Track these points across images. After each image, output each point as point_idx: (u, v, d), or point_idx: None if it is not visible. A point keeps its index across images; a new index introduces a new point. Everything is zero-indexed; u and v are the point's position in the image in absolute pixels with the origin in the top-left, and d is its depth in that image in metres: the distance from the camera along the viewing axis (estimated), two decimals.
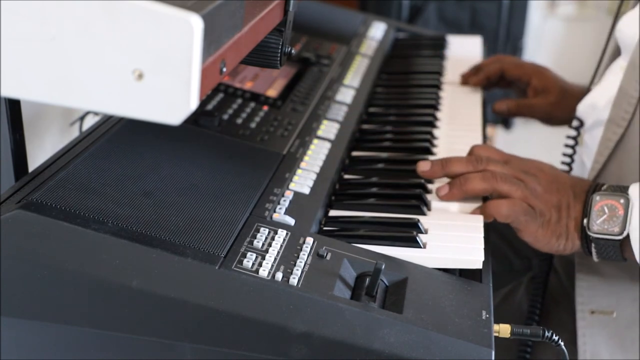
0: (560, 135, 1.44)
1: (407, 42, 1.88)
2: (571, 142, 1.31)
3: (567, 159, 1.32)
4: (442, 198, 1.12)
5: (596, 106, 1.26)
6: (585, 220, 1.09)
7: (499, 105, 1.55)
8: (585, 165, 1.28)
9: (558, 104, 1.52)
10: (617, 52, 1.33)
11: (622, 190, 1.10)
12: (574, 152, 1.31)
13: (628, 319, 1.19)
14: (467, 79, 1.60)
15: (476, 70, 1.60)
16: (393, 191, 1.15)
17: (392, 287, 0.93)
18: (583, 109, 1.31)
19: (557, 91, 1.53)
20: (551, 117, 1.55)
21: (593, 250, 1.10)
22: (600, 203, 1.09)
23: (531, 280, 1.44)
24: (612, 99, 1.20)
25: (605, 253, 1.10)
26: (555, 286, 1.37)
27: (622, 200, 1.08)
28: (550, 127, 1.62)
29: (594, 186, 1.12)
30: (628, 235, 1.07)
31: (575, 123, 1.31)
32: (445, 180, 1.15)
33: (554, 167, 1.17)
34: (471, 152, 1.17)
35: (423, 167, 1.15)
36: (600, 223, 1.08)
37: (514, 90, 1.63)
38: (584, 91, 1.53)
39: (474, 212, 1.10)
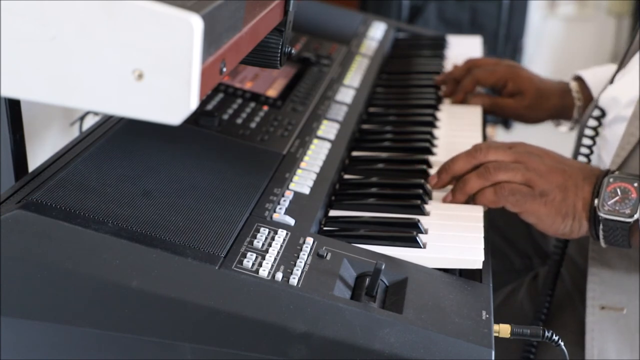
0: (561, 135, 1.43)
1: (407, 42, 1.88)
2: (591, 132, 1.29)
3: (586, 150, 1.30)
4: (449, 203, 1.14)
5: (618, 101, 1.25)
6: (596, 201, 1.09)
7: (474, 100, 1.53)
8: (602, 160, 1.27)
9: (532, 106, 1.52)
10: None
11: (635, 176, 1.10)
12: (594, 142, 1.29)
13: (638, 316, 1.19)
14: (449, 96, 1.57)
15: (454, 84, 1.57)
16: (393, 191, 1.15)
17: (392, 287, 0.93)
18: (605, 99, 1.29)
19: (532, 93, 1.52)
20: (523, 118, 1.55)
21: (601, 233, 1.10)
22: (614, 185, 1.09)
23: (532, 280, 1.44)
24: (636, 95, 1.20)
25: (612, 237, 1.09)
26: (559, 288, 1.37)
27: (635, 184, 1.08)
28: (551, 128, 1.61)
29: (605, 171, 1.13)
30: (637, 221, 1.07)
31: (596, 112, 1.29)
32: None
33: (561, 154, 1.17)
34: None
35: (432, 181, 1.17)
36: (612, 204, 1.08)
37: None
38: (561, 88, 1.53)
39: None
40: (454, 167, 1.15)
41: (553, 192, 1.10)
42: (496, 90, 1.57)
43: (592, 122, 1.29)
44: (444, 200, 1.14)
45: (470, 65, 1.57)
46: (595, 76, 1.51)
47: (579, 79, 1.53)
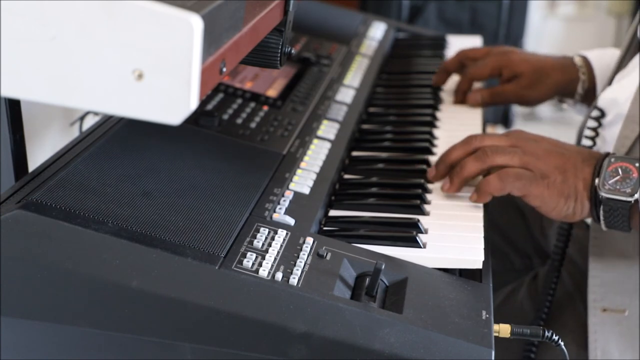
0: (561, 134, 1.43)
1: (407, 42, 1.88)
2: (591, 133, 1.29)
3: None
4: (447, 191, 1.13)
5: (617, 101, 1.26)
6: (597, 180, 1.09)
7: (472, 97, 1.52)
8: None
9: (531, 86, 1.50)
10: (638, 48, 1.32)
11: (637, 158, 1.10)
12: (594, 144, 1.29)
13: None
14: (437, 83, 1.57)
15: (445, 74, 1.57)
16: (393, 191, 1.15)
17: (392, 287, 0.93)
18: (604, 100, 1.30)
19: (529, 74, 1.49)
20: (525, 99, 1.53)
21: (601, 213, 1.10)
22: (615, 165, 1.09)
23: (532, 280, 1.44)
24: (632, 94, 1.20)
25: (613, 217, 1.09)
26: (559, 288, 1.37)
27: (637, 164, 1.08)
28: (550, 127, 1.61)
29: (605, 153, 1.13)
30: (637, 201, 1.07)
31: (595, 113, 1.29)
32: None
33: (558, 140, 1.17)
34: None
35: (430, 173, 1.17)
36: (613, 183, 1.08)
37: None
38: (562, 63, 1.51)
39: (471, 197, 1.11)
40: (450, 157, 1.14)
41: (553, 173, 1.09)
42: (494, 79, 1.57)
43: (591, 123, 1.29)
44: (442, 189, 1.13)
45: (462, 58, 1.56)
46: (599, 57, 1.50)
47: (583, 57, 1.52)
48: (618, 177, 1.08)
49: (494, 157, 1.10)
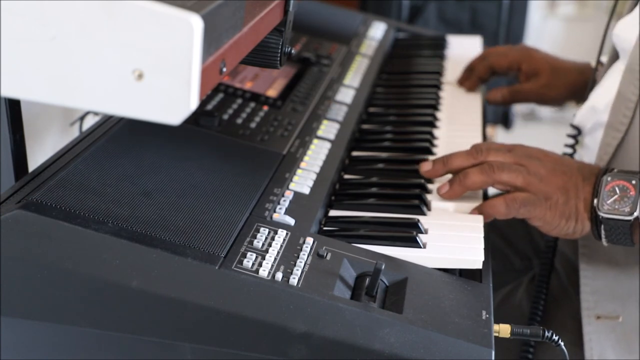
0: (561, 135, 1.44)
1: (407, 42, 1.88)
2: (569, 150, 1.31)
3: None
4: (444, 196, 1.12)
5: (596, 109, 1.26)
6: (595, 201, 1.09)
7: (493, 94, 1.56)
8: None
9: (549, 84, 1.53)
10: (616, 55, 1.33)
11: (634, 173, 1.10)
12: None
13: (634, 323, 1.19)
14: (462, 83, 1.61)
15: (469, 72, 1.60)
16: (393, 191, 1.15)
17: (392, 287, 0.93)
18: (582, 114, 1.31)
19: (547, 72, 1.54)
20: (545, 98, 1.57)
21: (602, 232, 1.09)
22: (612, 184, 1.09)
23: (531, 280, 1.44)
24: (611, 101, 1.20)
25: (614, 236, 1.09)
26: (556, 287, 1.37)
27: (633, 182, 1.08)
28: (550, 127, 1.62)
29: (604, 169, 1.13)
30: (638, 218, 1.07)
31: (572, 131, 1.31)
32: (446, 179, 1.15)
33: (559, 154, 1.17)
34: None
35: (425, 167, 1.16)
36: (611, 203, 1.08)
37: (512, 77, 1.63)
38: (579, 65, 1.55)
39: (472, 213, 1.10)
40: (452, 162, 1.14)
41: (555, 194, 1.09)
42: (512, 76, 1.60)
43: (568, 141, 1.32)
44: (439, 191, 1.13)
45: (486, 55, 1.60)
46: None
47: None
48: (616, 197, 1.08)
49: (500, 173, 1.10)
